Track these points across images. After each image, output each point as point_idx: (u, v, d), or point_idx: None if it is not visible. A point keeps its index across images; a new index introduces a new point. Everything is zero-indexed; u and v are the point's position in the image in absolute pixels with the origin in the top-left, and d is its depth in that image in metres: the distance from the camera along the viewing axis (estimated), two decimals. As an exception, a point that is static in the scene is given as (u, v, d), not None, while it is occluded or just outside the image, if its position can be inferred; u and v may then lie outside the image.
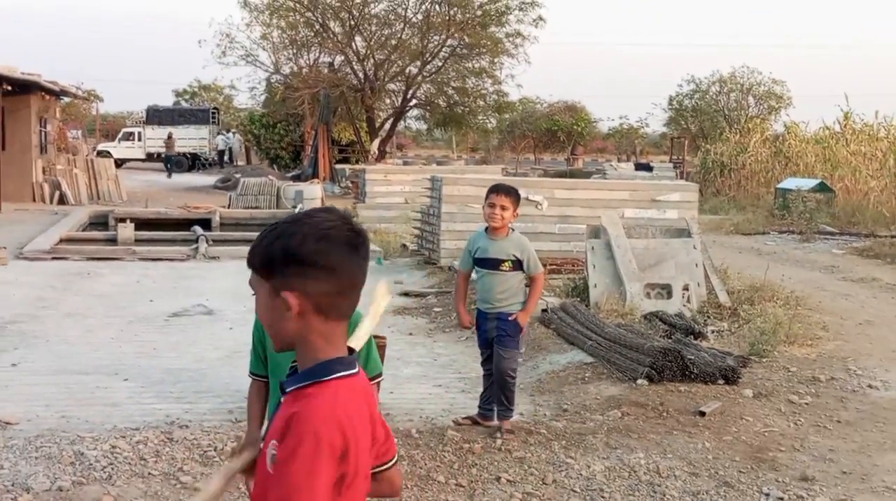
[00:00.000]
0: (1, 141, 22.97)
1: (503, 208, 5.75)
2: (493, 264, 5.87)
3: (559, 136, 52.07)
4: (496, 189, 5.87)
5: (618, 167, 30.66)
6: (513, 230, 5.96)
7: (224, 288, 11.68)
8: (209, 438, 5.63)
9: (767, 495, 5.06)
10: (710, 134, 38.71)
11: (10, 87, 22.97)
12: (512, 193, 5.83)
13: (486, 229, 5.94)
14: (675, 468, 5.44)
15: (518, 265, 5.86)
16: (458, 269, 6.25)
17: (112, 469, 5.10)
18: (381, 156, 35.76)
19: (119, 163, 36.18)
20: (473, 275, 6.20)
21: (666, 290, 10.08)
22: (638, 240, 10.60)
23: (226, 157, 47.37)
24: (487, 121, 40.48)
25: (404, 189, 19.52)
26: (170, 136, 43.03)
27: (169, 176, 39.17)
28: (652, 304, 9.81)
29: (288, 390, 1.80)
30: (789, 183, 23.43)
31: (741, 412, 6.60)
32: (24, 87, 23.99)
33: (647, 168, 30.31)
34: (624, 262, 10.08)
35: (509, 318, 5.86)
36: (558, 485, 5.14)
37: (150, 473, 5.07)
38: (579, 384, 7.27)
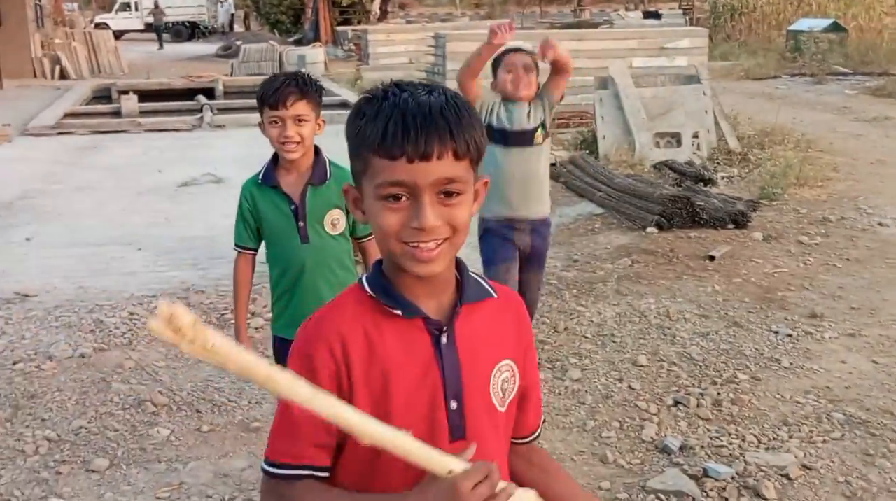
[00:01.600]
0: (-4, 16, 22.56)
1: (527, 70, 4.18)
2: (523, 138, 4.20)
3: (565, -13, 50.68)
4: (514, 49, 4.29)
5: (626, 16, 29.92)
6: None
7: (231, 157, 11.63)
8: (225, 301, 5.72)
9: (776, 333, 5.13)
10: (720, -23, 37.52)
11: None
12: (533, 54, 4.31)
13: (502, 100, 4.25)
14: (685, 311, 5.50)
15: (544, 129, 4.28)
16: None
17: (132, 334, 5.21)
18: (384, 16, 35.02)
19: (118, 35, 35.52)
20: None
21: (675, 139, 9.99)
22: (647, 89, 10.44)
23: (223, 24, 46.36)
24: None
25: (408, 49, 19.20)
26: (156, 6, 41.93)
27: (160, 47, 38.11)
28: (662, 153, 9.75)
29: (470, 302, 1.49)
30: (801, 24, 22.85)
31: (751, 254, 6.63)
32: (13, -40, 23.37)
33: (656, 16, 29.58)
34: (633, 112, 9.96)
35: (546, 225, 4.43)
36: (570, 332, 5.22)
37: (168, 337, 5.16)
38: (589, 235, 7.30)
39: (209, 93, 19.53)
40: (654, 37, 13.75)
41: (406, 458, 1.30)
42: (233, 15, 47.03)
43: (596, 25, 27.53)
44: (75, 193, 9.60)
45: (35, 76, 23.50)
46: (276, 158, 3.13)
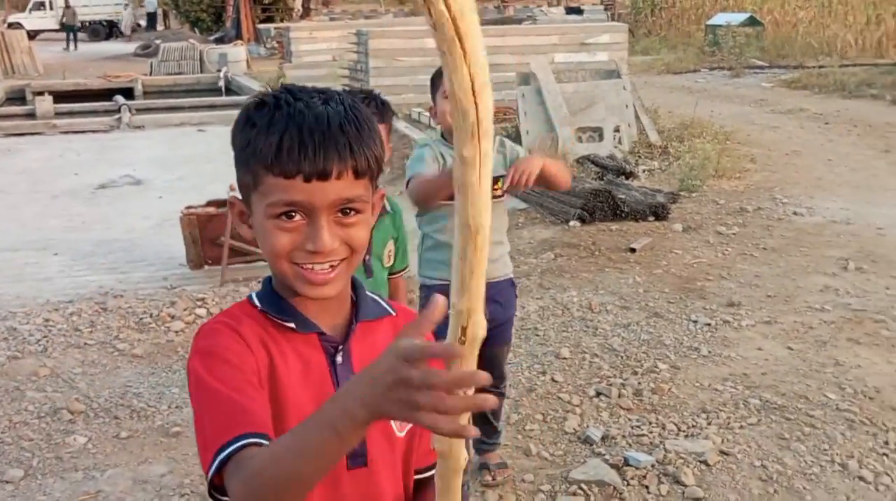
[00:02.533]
0: None
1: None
2: None
3: (488, -16, 50.90)
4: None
5: (548, 12, 30.17)
6: None
7: (151, 158, 11.44)
8: (144, 305, 5.61)
9: (695, 322, 5.23)
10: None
11: None
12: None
13: (443, 134, 3.31)
14: (607, 303, 5.57)
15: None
16: (415, 176, 3.17)
17: (47, 341, 5.07)
18: (307, 13, 34.73)
19: (32, 35, 34.57)
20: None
21: (597, 133, 10.10)
22: (568, 84, 10.53)
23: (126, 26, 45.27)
24: (413, -30, 39.27)
25: (331, 46, 19.02)
26: (68, 6, 40.88)
27: (67, 48, 36.88)
28: (584, 148, 9.84)
29: (367, 319, 1.42)
30: (719, 18, 23.30)
31: (671, 246, 6.75)
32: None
33: (578, 11, 29.87)
34: (554, 107, 10.05)
35: (507, 287, 3.45)
36: (494, 327, 5.24)
37: (85, 343, 5.06)
38: (513, 230, 7.33)
39: (128, 93, 19.16)
40: (576, 32, 13.90)
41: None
42: (149, 14, 46.14)
43: (519, 21, 27.70)
44: (-12, 198, 9.34)
45: (-55, 78, 22.77)
46: None
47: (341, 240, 1.29)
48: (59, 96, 17.24)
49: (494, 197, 2.84)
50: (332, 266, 1.30)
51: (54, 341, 5.08)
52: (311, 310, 1.36)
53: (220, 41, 30.54)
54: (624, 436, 3.90)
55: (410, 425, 1.39)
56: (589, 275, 6.12)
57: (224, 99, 18.55)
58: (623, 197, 7.50)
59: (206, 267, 6.56)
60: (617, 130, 10.11)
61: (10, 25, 37.24)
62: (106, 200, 9.15)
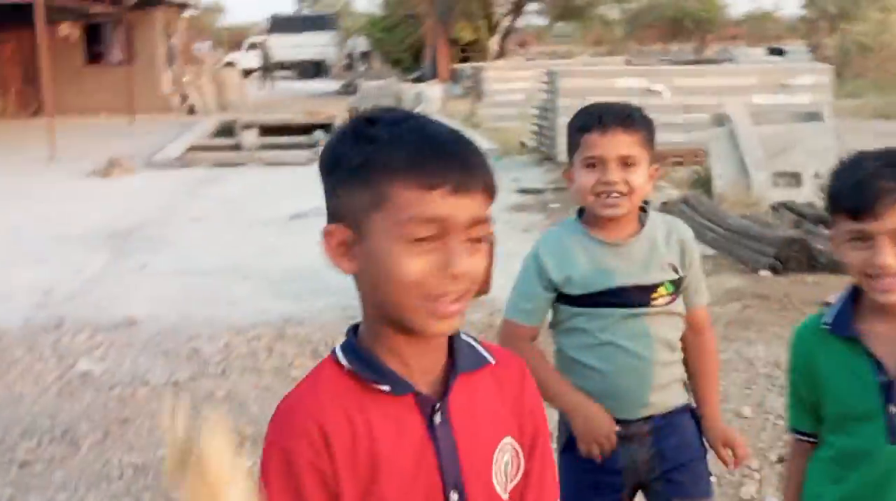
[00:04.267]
0: (130, 54, 23.60)
1: (626, 164, 2.17)
2: (633, 298, 2.25)
3: (686, 25, 50.04)
4: (599, 119, 2.18)
5: (748, 53, 29.27)
6: (645, 210, 2.29)
7: (342, 190, 11.79)
8: (321, 334, 5.71)
9: None
10: (850, 13, 36.42)
11: (134, 2, 23.48)
12: (635, 124, 2.19)
13: (583, 218, 2.29)
14: (797, 360, 5.19)
15: (677, 287, 2.30)
16: (514, 324, 2.34)
17: (226, 364, 5.24)
18: (503, 53, 35.20)
19: (246, 73, 36.74)
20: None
21: (795, 178, 9.60)
22: (765, 126, 10.09)
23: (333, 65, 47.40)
24: (609, 11, 39.18)
25: (523, 86, 19.14)
26: (256, 47, 43.67)
27: (266, 86, 38.95)
28: (780, 193, 9.37)
29: (466, 371, 1.31)
30: (937, 62, 21.88)
31: (872, 302, 6.25)
32: (148, 1, 24.48)
33: (780, 52, 28.84)
34: (749, 150, 9.63)
35: (685, 419, 2.40)
36: (671, 378, 4.99)
37: (261, 368, 5.18)
38: (698, 276, 7.03)
39: (328, 128, 19.92)
40: (776, 73, 13.33)
41: None
42: (350, 55, 48.15)
43: (718, 62, 27.01)
44: (190, 223, 9.85)
45: (164, 112, 24.47)
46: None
47: (470, 268, 1.17)
48: (265, 130, 18.13)
49: (657, 304, 2.26)
50: (457, 298, 1.17)
51: (233, 365, 5.23)
52: (405, 362, 1.22)
53: (417, 80, 31.41)
54: (807, 507, 3.58)
55: (515, 483, 1.30)
56: (778, 330, 5.74)
57: (416, 136, 18.94)
58: (821, 247, 7.04)
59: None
60: (817, 176, 9.56)
61: (227, 64, 39.74)
62: (297, 230, 9.44)
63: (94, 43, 25.09)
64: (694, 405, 2.42)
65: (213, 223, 9.86)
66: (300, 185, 12.43)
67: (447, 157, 1.16)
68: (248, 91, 28.43)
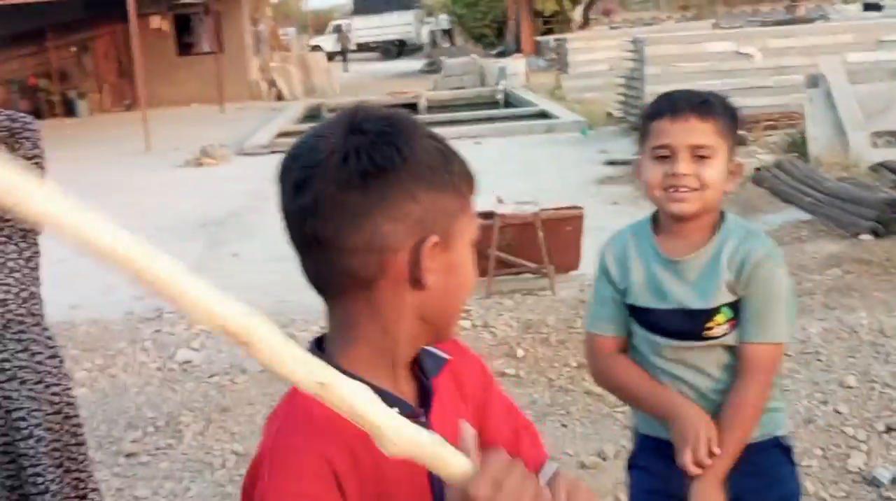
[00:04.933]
0: (219, 44, 24.04)
1: (699, 156, 1.90)
2: (683, 324, 1.98)
3: (778, -17, 48.45)
4: (671, 105, 1.95)
5: (843, 10, 28.21)
6: (723, 217, 2.00)
7: (430, 170, 11.83)
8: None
9: None
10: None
11: (220, -9, 23.89)
12: (712, 110, 1.92)
13: (654, 221, 2.05)
14: (903, 327, 5.02)
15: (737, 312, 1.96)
16: (593, 336, 2.13)
17: (321, 348, 5.30)
18: (586, 23, 34.69)
19: (330, 56, 37.04)
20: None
21: (895, 137, 9.23)
22: (863, 85, 9.72)
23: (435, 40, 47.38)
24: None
25: (608, 55, 18.84)
26: (340, 30, 43.60)
27: (345, 69, 38.43)
28: (880, 153, 9.03)
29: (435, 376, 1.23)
30: None
31: (982, 264, 5.99)
32: (233, -10, 24.90)
33: (877, 8, 27.68)
34: (846, 110, 9.29)
35: (773, 455, 2.08)
36: (770, 349, 4.87)
37: (355, 351, 5.24)
38: (796, 243, 6.83)
39: (412, 108, 19.99)
40: (871, 30, 12.85)
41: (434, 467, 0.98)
42: (443, 31, 48.08)
43: (810, 21, 26.13)
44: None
45: (253, 98, 24.87)
46: None
47: None
48: (350, 113, 18.26)
49: (713, 334, 1.95)
50: None
51: (327, 348, 5.30)
52: (395, 382, 1.14)
53: (501, 55, 31.23)
54: (917, 480, 3.46)
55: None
56: (882, 295, 5.55)
57: (501, 111, 18.87)
58: (925, 208, 6.77)
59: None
60: (919, 135, 9.19)
61: (312, 48, 40.14)
62: (385, 212, 9.55)
63: (184, 34, 25.62)
64: (785, 435, 2.08)
65: (303, 207, 9.99)
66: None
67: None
68: (335, 74, 28.66)
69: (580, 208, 6.55)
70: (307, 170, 1.08)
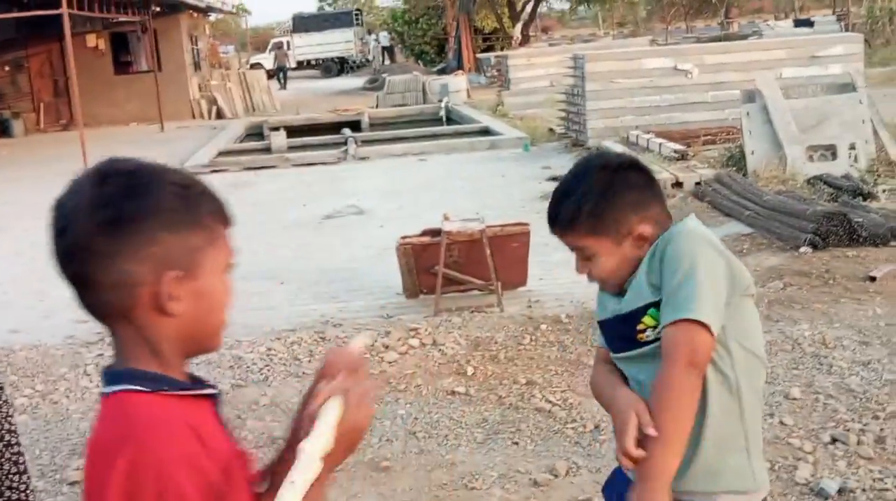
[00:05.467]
0: (157, 62, 23.76)
1: (585, 258, 1.96)
2: (616, 332, 1.99)
3: (711, 0, 49.48)
4: (547, 219, 2.01)
5: (775, 26, 28.89)
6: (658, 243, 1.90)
7: (374, 188, 11.79)
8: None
9: (947, 361, 4.70)
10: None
11: (158, 8, 23.61)
12: (569, 223, 1.94)
13: None
14: (844, 337, 5.12)
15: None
16: (597, 348, 2.15)
17: (268, 370, 5.25)
18: (525, 40, 35.01)
19: (271, 74, 36.79)
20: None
21: (830, 151, 9.45)
22: (797, 100, 9.94)
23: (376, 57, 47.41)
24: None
25: (549, 72, 19.04)
26: (279, 47, 43.59)
27: (281, 87, 37.64)
28: (815, 167, 9.24)
29: None
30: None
31: (917, 274, 6.15)
32: (172, 7, 24.63)
33: (808, 24, 28.41)
34: (782, 125, 9.49)
35: None
36: (716, 362, 4.93)
37: (304, 372, 5.19)
38: (737, 256, 6.92)
39: (356, 125, 19.95)
40: (805, 45, 13.15)
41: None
42: (384, 48, 48.17)
43: (744, 37, 26.66)
44: (224, 229, 9.89)
45: (193, 117, 24.61)
46: None
47: None
48: (293, 131, 18.17)
49: (645, 339, 1.88)
50: None
51: (275, 370, 5.24)
52: (182, 372, 1.33)
53: (442, 72, 31.37)
54: (864, 490, 3.52)
55: None
56: (822, 307, 5.66)
57: (444, 128, 18.92)
58: (860, 219, 6.93)
59: (421, 295, 6.60)
60: (852, 148, 9.41)
61: (253, 66, 39.89)
62: (331, 230, 9.47)
63: (121, 52, 25.28)
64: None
65: (246, 227, 9.85)
66: (331, 185, 12.47)
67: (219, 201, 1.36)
68: (275, 92, 28.51)
69: (527, 224, 6.58)
70: (65, 218, 1.26)
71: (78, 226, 1.24)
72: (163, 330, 1.27)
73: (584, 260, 1.95)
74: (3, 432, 2.68)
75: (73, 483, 4.02)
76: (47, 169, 15.17)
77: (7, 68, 23.90)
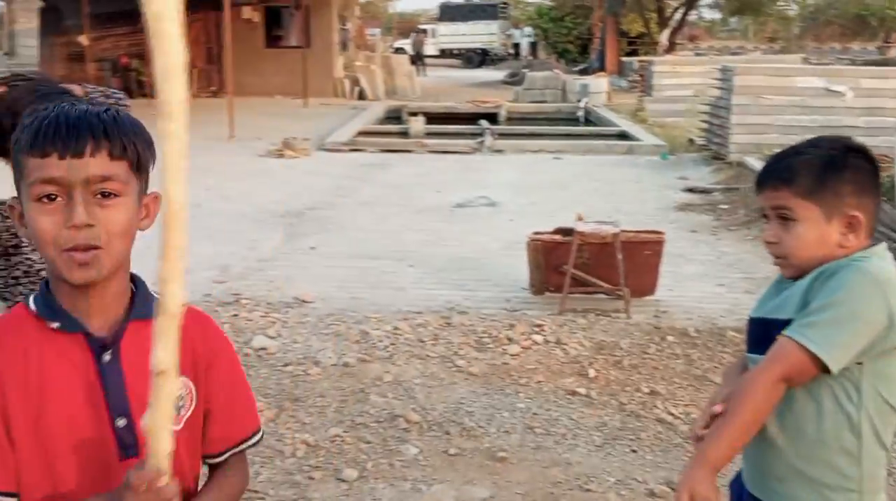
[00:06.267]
0: (306, 39, 24.36)
1: (783, 219, 1.89)
2: (757, 335, 1.99)
3: (870, 22, 47.48)
4: (763, 176, 1.94)
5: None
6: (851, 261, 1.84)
7: (506, 181, 11.82)
8: (484, 325, 5.76)
9: None
10: None
11: (312, -13, 24.19)
12: (795, 178, 1.86)
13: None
14: None
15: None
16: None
17: (393, 348, 5.36)
18: (672, 48, 34.37)
19: (413, 60, 37.20)
20: None
21: None
22: (958, 133, 9.49)
23: (521, 52, 47.36)
24: (788, 6, 37.65)
25: (693, 81, 18.65)
26: (417, 33, 44.00)
27: (419, 73, 37.81)
28: (973, 205, 8.80)
29: (141, 318, 1.48)
30: None
31: None
32: (325, -13, 25.20)
33: (976, 55, 26.96)
34: (940, 158, 9.07)
35: None
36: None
37: (427, 355, 5.28)
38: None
39: (493, 118, 20.02)
40: (973, 76, 12.53)
41: None
42: (516, 44, 48.11)
43: (904, 63, 25.53)
44: (359, 207, 10.11)
45: (336, 95, 25.14)
46: None
47: (99, 221, 1.37)
48: (431, 117, 18.36)
49: None
50: (93, 246, 1.37)
51: (400, 349, 5.35)
52: (84, 308, 1.44)
53: (583, 72, 31.12)
54: None
55: (188, 415, 1.52)
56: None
57: (581, 128, 18.80)
58: None
59: (548, 293, 6.61)
60: None
61: (396, 50, 40.43)
62: (462, 219, 9.55)
63: (273, 26, 26.04)
64: None
65: (380, 208, 10.08)
66: (464, 174, 12.56)
67: (59, 131, 1.37)
68: (416, 78, 28.88)
69: (661, 233, 6.51)
70: None
71: None
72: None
73: (781, 224, 1.88)
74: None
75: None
76: (193, 133, 15.58)
77: (166, 33, 24.90)
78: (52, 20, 21.05)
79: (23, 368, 1.40)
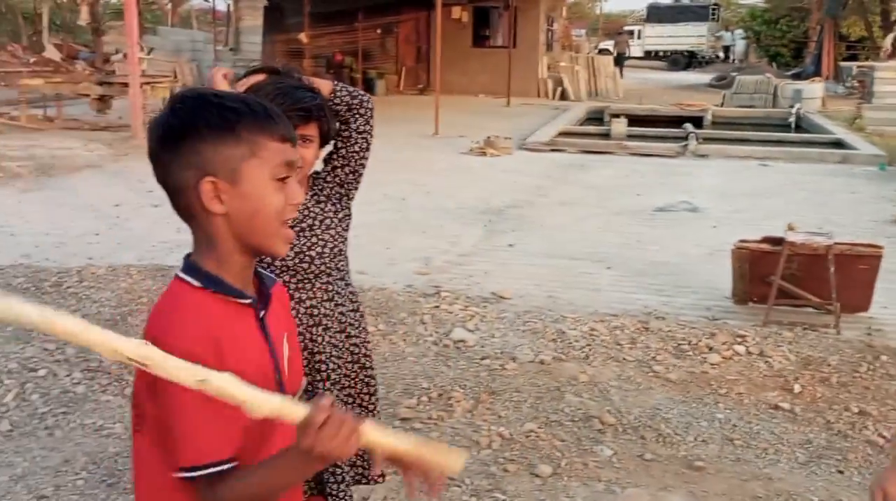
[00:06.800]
0: (512, 39, 24.58)
1: None
2: None
3: None
4: None
5: None
6: None
7: (710, 187, 11.51)
8: (683, 332, 5.64)
9: None
10: None
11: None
12: None
13: None
14: None
15: None
16: None
17: (589, 349, 5.34)
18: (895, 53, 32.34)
19: (616, 61, 36.73)
20: None
21: None
22: None
23: (733, 55, 45.91)
24: None
25: (921, 88, 17.52)
26: (620, 33, 43.33)
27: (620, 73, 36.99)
28: None
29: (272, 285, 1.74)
30: None
31: None
32: (534, -12, 25.34)
33: None
34: None
35: None
36: None
37: (624, 358, 5.23)
38: None
39: (697, 121, 19.53)
40: None
41: (284, 420, 1.38)
42: (726, 47, 46.59)
43: None
44: (557, 207, 10.12)
45: (538, 95, 25.24)
46: None
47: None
48: (633, 120, 18.11)
49: None
50: (291, 225, 1.58)
51: (596, 350, 5.33)
52: (246, 279, 1.59)
53: (796, 77, 29.80)
54: None
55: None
56: None
57: (793, 135, 18.02)
58: None
59: (751, 303, 6.40)
60: None
61: (600, 51, 40.08)
62: (662, 223, 9.38)
63: (481, 26, 26.44)
64: None
65: (579, 208, 10.06)
66: (666, 178, 12.33)
67: (284, 119, 1.56)
68: (619, 80, 28.52)
69: (880, 247, 6.17)
70: (149, 134, 1.54)
71: (150, 142, 1.54)
72: (215, 227, 1.52)
73: None
74: (361, 355, 2.94)
75: (403, 420, 4.35)
76: (400, 128, 16.26)
77: (378, 31, 25.78)
78: (275, 18, 22.23)
79: (229, 343, 1.50)
